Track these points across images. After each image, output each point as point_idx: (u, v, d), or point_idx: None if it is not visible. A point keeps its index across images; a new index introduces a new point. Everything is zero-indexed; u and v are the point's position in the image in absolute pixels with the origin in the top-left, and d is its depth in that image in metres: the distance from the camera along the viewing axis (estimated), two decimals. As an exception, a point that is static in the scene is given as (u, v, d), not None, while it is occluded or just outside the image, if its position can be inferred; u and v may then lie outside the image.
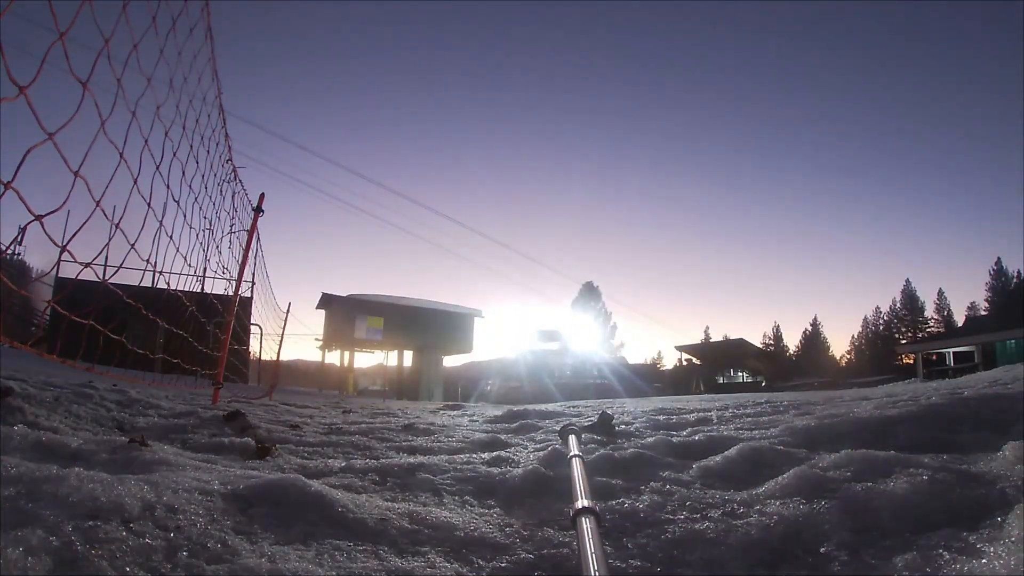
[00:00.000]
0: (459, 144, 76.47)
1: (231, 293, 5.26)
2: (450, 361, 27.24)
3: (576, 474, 1.35)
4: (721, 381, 37.99)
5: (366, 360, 33.71)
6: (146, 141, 2.44)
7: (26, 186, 1.62)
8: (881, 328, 59.98)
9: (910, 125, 69.40)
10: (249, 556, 0.92)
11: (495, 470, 1.65)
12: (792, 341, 65.93)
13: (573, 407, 4.20)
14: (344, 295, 23.11)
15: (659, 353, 63.77)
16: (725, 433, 2.12)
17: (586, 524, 0.96)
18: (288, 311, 9.50)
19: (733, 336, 46.24)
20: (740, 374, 39.44)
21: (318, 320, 24.01)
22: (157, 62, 2.53)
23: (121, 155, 2.18)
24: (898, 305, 59.22)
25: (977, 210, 71.29)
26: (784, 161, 73.30)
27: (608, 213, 79.14)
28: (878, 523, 1.09)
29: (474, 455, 1.97)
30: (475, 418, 3.74)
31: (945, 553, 0.92)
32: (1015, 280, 51.85)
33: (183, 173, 3.09)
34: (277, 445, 2.06)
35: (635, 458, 1.75)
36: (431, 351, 24.19)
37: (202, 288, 4.72)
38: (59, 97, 1.97)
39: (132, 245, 2.47)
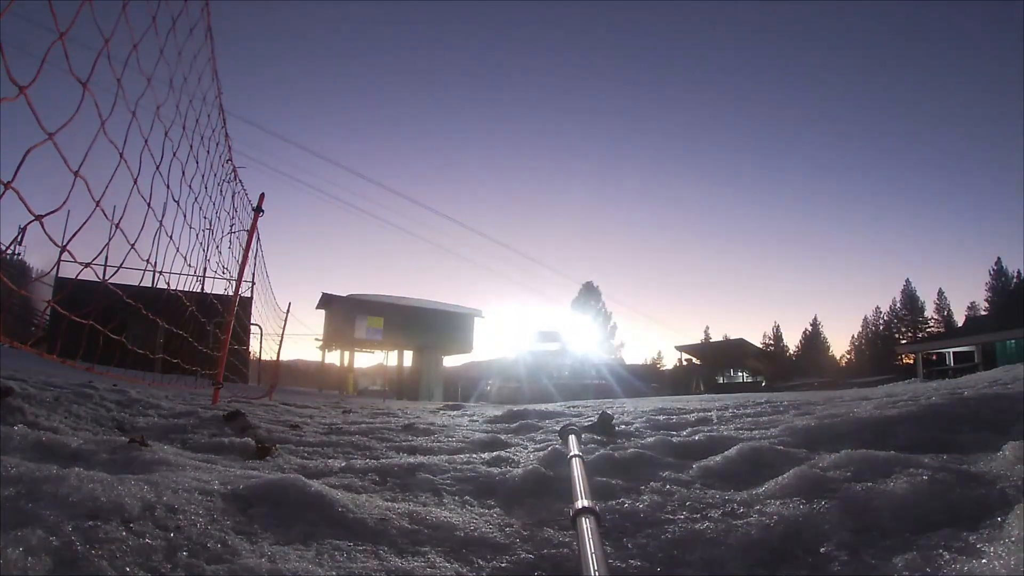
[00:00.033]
0: (459, 144, 76.62)
1: (231, 293, 5.26)
2: (450, 361, 27.31)
3: (576, 474, 1.35)
4: (721, 381, 37.97)
5: (366, 360, 33.80)
6: (146, 141, 2.44)
7: (26, 186, 1.62)
8: (881, 328, 59.98)
9: (910, 125, 69.56)
10: (249, 556, 0.92)
11: (495, 470, 1.65)
12: (792, 341, 66.06)
13: (573, 407, 4.20)
14: (344, 295, 23.12)
15: (659, 353, 63.80)
16: (725, 433, 2.12)
17: (586, 524, 0.96)
18: (288, 311, 9.52)
19: (733, 336, 46.33)
20: (740, 374, 39.43)
21: (318, 320, 24.08)
22: (157, 62, 2.54)
23: (121, 155, 2.18)
24: (898, 305, 59.26)
25: (977, 210, 71.45)
26: (784, 161, 73.47)
27: (608, 213, 79.30)
28: (878, 523, 1.09)
29: (474, 455, 1.97)
30: (475, 418, 3.74)
31: (945, 553, 0.92)
32: (1015, 280, 51.88)
33: (183, 173, 3.10)
34: (277, 445, 2.06)
35: (635, 458, 1.75)
36: (431, 351, 24.19)
37: (202, 288, 4.72)
38: (59, 97, 1.98)
39: (132, 245, 2.47)
